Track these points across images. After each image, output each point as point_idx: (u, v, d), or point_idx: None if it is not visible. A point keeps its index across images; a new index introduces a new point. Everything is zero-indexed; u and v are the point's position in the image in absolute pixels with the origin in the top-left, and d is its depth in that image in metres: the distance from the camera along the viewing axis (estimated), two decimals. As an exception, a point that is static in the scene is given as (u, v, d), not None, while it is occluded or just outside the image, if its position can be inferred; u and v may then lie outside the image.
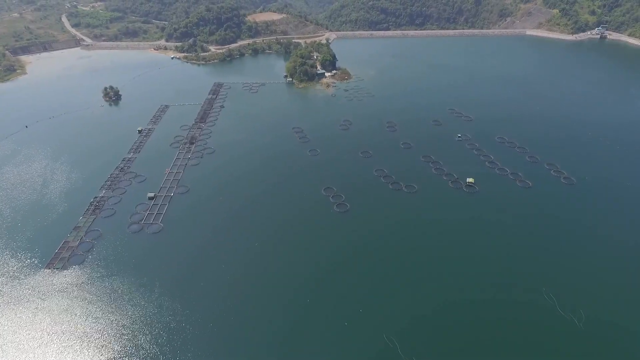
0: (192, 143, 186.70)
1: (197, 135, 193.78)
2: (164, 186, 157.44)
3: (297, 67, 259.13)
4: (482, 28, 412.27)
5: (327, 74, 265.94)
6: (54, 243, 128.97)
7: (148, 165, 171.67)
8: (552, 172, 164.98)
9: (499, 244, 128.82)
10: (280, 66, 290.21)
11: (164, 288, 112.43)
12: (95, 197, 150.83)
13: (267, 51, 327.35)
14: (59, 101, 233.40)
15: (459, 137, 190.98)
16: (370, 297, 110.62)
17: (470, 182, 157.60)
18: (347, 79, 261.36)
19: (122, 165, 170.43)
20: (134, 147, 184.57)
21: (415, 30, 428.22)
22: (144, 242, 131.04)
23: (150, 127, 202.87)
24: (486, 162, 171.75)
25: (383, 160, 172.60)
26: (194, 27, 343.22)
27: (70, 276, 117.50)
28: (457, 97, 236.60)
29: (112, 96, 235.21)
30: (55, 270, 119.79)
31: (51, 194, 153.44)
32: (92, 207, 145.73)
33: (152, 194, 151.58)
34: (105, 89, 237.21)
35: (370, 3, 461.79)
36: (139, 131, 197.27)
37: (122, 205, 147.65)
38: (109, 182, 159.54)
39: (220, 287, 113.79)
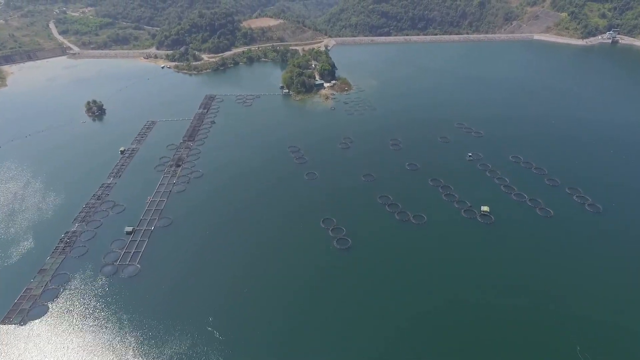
0: (178, 166, 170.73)
1: (185, 156, 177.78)
2: (144, 218, 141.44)
3: (294, 78, 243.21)
4: (487, 32, 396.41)
5: (325, 85, 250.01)
6: (14, 291, 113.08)
7: (129, 192, 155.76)
8: (574, 197, 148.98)
9: (522, 287, 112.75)
10: (276, 75, 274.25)
11: (139, 346, 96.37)
12: (67, 232, 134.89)
13: (262, 59, 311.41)
14: (39, 116, 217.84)
15: (470, 156, 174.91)
16: (377, 354, 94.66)
17: (485, 211, 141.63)
18: (347, 90, 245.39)
19: (99, 193, 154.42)
20: (115, 170, 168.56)
21: (418, 35, 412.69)
22: (118, 288, 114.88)
23: (134, 146, 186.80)
24: (501, 186, 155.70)
25: (387, 185, 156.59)
26: (186, 34, 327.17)
27: (29, 334, 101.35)
28: (464, 110, 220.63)
29: (96, 111, 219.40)
30: (11, 326, 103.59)
31: (17, 228, 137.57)
32: (62, 245, 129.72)
33: (130, 228, 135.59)
34: (88, 103, 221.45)
35: (371, 7, 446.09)
36: (122, 152, 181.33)
37: (96, 242, 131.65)
38: (83, 214, 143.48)
39: (205, 344, 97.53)
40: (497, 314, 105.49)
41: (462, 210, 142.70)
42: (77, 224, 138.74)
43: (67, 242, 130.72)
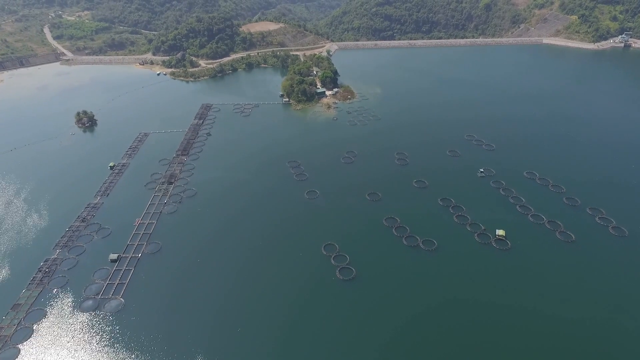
0: (170, 183, 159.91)
1: (178, 172, 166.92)
2: (131, 243, 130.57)
3: (295, 86, 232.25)
4: (493, 35, 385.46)
5: (327, 93, 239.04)
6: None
7: (116, 213, 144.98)
8: (597, 219, 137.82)
9: (543, 322, 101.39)
10: (276, 82, 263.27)
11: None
12: (47, 260, 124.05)
13: (262, 65, 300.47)
14: (26, 128, 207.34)
15: (482, 172, 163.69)
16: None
17: (501, 236, 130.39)
18: (350, 99, 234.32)
19: (85, 214, 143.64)
20: (103, 188, 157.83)
21: (422, 38, 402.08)
22: (99, 326, 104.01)
23: (124, 161, 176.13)
24: (517, 207, 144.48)
25: (394, 205, 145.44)
26: (183, 39, 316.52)
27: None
28: (474, 120, 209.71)
29: (86, 122, 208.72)
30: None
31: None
32: (41, 275, 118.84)
33: (114, 256, 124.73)
34: (79, 113, 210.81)
35: (374, 9, 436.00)
36: (111, 167, 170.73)
37: (78, 272, 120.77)
38: (66, 238, 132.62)
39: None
40: (517, 354, 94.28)
41: (476, 235, 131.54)
42: (58, 251, 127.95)
43: (46, 272, 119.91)
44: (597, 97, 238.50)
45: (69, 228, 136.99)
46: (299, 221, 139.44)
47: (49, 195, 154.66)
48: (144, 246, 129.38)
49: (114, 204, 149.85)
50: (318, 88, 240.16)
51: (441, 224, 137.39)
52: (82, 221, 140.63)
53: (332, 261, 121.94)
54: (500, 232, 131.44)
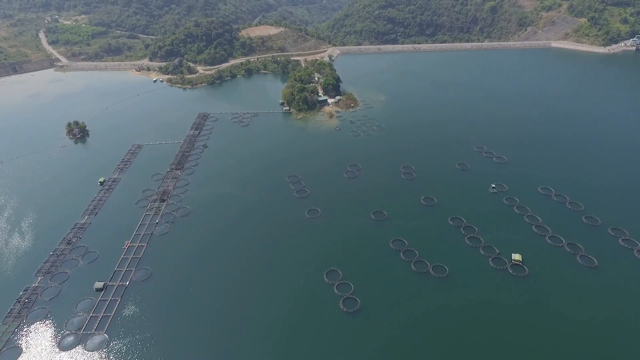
0: (163, 200, 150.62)
1: (171, 188, 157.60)
2: (119, 269, 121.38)
3: (295, 94, 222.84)
4: (499, 39, 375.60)
5: (330, 101, 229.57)
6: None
7: (104, 234, 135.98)
8: (620, 241, 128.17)
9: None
10: (276, 89, 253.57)
11: None
12: (27, 289, 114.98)
13: (262, 71, 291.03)
14: (15, 140, 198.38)
15: (493, 188, 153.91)
16: None
17: (517, 261, 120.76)
18: (353, 107, 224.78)
19: (71, 236, 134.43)
20: (91, 206, 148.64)
21: (427, 41, 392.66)
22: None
23: (115, 176, 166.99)
24: (533, 227, 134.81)
25: (401, 226, 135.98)
26: (180, 45, 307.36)
27: None
28: (482, 129, 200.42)
29: (77, 133, 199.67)
30: None
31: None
32: (19, 307, 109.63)
33: (100, 284, 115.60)
34: (69, 124, 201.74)
35: (377, 12, 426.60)
36: (101, 183, 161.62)
37: (60, 302, 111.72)
38: (49, 264, 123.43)
39: None
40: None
41: (490, 259, 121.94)
42: (40, 278, 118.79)
43: (25, 303, 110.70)
44: (612, 104, 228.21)
45: (53, 252, 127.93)
46: (299, 244, 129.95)
47: (33, 214, 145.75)
48: (132, 273, 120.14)
49: (103, 224, 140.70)
50: (320, 96, 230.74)
51: (452, 246, 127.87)
52: (68, 244, 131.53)
53: (335, 290, 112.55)
54: (516, 256, 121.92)
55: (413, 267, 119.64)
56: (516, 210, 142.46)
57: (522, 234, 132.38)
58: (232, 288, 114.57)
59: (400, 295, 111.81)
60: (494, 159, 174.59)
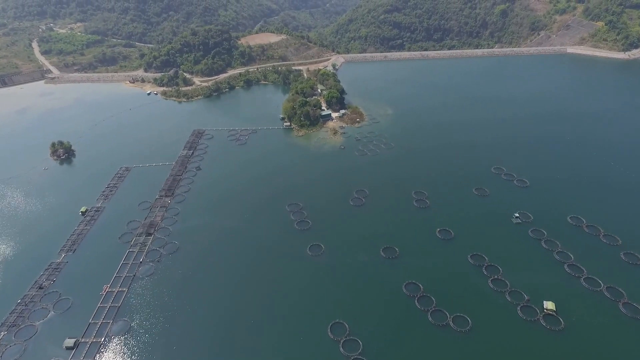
0: (149, 234, 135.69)
1: (159, 220, 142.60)
2: (94, 322, 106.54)
3: (297, 108, 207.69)
4: (511, 43, 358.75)
5: (334, 115, 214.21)
6: None
7: (81, 276, 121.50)
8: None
9: None
10: (277, 101, 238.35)
11: None
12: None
13: (262, 82, 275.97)
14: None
15: (517, 217, 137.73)
16: None
17: (550, 310, 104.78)
18: (358, 122, 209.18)
19: (43, 279, 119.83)
20: (69, 242, 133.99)
21: (434, 46, 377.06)
22: None
23: (99, 205, 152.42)
24: (565, 266, 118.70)
25: (415, 265, 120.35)
26: (177, 55, 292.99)
27: None
28: (499, 146, 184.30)
29: (62, 154, 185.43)
30: None
31: None
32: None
33: (71, 342, 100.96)
34: (54, 144, 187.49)
35: (382, 17, 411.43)
36: (82, 213, 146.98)
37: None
38: (15, 315, 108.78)
39: None
40: None
41: (519, 308, 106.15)
42: (3, 333, 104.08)
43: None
44: (637, 115, 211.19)
45: (21, 299, 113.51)
46: (300, 290, 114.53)
47: (5, 251, 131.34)
48: (109, 325, 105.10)
49: (81, 264, 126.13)
50: (323, 110, 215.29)
51: (474, 291, 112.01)
52: (40, 288, 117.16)
53: (342, 349, 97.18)
54: (549, 304, 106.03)
55: (430, 319, 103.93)
56: (544, 245, 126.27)
57: (553, 275, 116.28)
58: (223, 346, 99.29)
59: (416, 356, 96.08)
60: (515, 182, 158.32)
